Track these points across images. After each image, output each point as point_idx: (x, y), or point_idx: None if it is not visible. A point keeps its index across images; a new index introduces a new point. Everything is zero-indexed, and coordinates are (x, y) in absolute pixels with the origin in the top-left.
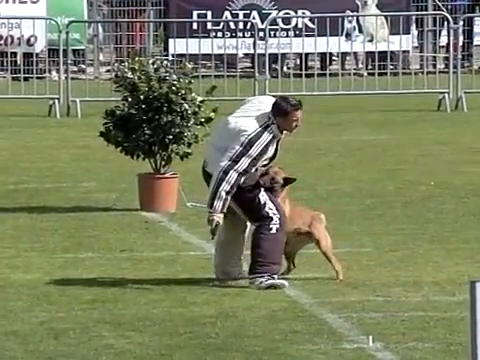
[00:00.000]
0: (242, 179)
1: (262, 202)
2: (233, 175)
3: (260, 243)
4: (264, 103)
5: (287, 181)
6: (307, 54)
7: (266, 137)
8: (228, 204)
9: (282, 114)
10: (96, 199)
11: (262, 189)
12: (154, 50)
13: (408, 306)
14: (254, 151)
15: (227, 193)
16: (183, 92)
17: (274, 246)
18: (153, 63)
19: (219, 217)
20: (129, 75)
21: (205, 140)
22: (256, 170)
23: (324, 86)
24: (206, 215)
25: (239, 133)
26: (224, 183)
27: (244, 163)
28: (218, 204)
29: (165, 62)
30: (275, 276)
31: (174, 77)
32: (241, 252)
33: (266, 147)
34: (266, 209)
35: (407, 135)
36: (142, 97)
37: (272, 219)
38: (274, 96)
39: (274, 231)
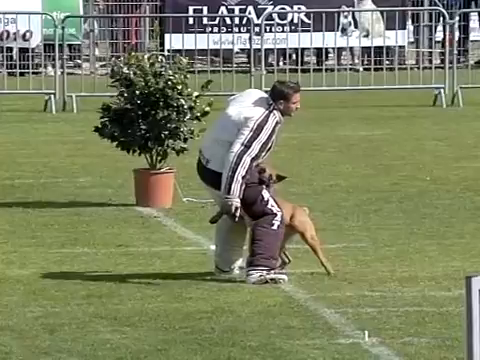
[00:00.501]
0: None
1: (265, 199)
2: (247, 160)
3: (263, 237)
4: (254, 94)
5: (280, 178)
6: (303, 49)
7: (272, 121)
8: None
9: (283, 98)
10: (92, 194)
11: (264, 186)
12: (150, 45)
13: (404, 301)
14: (263, 136)
15: (243, 178)
16: (179, 87)
17: (275, 241)
18: (149, 58)
19: (237, 201)
20: (125, 70)
21: (202, 136)
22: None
23: (320, 81)
24: (222, 201)
25: (246, 121)
26: (239, 168)
27: (256, 148)
28: (236, 188)
29: (160, 57)
30: (273, 271)
31: (170, 72)
32: (243, 239)
33: (273, 131)
34: (269, 205)
35: (403, 130)
36: (138, 92)
37: (276, 215)
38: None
39: (276, 227)
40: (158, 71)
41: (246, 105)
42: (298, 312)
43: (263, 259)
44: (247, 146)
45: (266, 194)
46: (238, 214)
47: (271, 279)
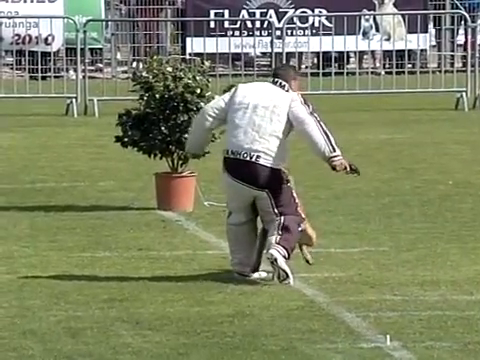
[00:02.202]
0: None
1: (296, 201)
2: (322, 121)
3: (291, 231)
4: (259, 85)
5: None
6: (324, 53)
7: (300, 95)
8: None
9: (294, 79)
10: (113, 198)
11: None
12: (171, 49)
13: (426, 305)
14: (309, 104)
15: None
16: (199, 91)
17: (295, 241)
18: (168, 62)
19: (344, 158)
20: (145, 74)
21: (223, 138)
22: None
23: (341, 85)
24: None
25: (286, 104)
26: (326, 129)
27: (315, 113)
28: (336, 146)
29: (179, 61)
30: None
31: (190, 76)
32: (262, 243)
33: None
34: (299, 209)
35: (425, 134)
36: (158, 96)
37: (304, 220)
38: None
39: (300, 230)
40: (178, 75)
41: (268, 95)
42: (319, 316)
43: (287, 248)
44: (312, 114)
45: (296, 197)
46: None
47: (282, 270)
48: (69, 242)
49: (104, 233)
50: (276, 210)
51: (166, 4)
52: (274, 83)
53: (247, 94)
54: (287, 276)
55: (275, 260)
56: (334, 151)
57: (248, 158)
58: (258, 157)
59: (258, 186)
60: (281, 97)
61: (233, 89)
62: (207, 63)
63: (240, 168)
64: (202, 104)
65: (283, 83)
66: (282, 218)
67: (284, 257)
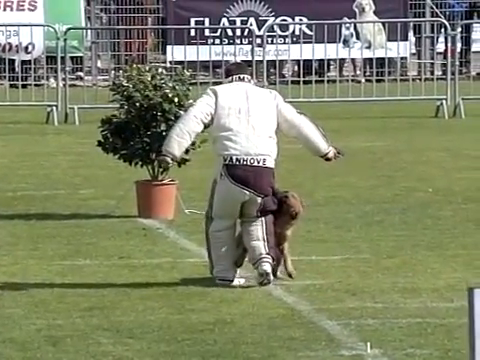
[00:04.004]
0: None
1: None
2: None
3: (272, 231)
4: (243, 86)
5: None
6: (305, 61)
7: None
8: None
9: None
10: (94, 206)
11: None
12: (152, 57)
13: (406, 312)
14: None
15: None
16: (178, 100)
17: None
18: (149, 70)
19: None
20: (125, 83)
21: (201, 146)
22: None
23: (322, 93)
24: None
25: (277, 103)
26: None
27: None
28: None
29: (161, 70)
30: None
31: (169, 85)
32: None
33: None
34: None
35: (405, 142)
36: (137, 105)
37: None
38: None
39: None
40: (158, 84)
41: (254, 96)
42: (300, 324)
43: (272, 253)
44: (301, 113)
45: None
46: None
47: (269, 277)
48: (49, 250)
49: (85, 241)
50: (259, 212)
51: (147, 12)
52: (248, 82)
53: (231, 98)
54: (269, 282)
55: (266, 274)
56: (328, 144)
57: (256, 163)
58: (265, 160)
59: (261, 191)
60: (266, 97)
61: (211, 93)
62: (187, 72)
63: (247, 174)
64: (181, 113)
65: (253, 81)
66: (263, 219)
67: (271, 264)
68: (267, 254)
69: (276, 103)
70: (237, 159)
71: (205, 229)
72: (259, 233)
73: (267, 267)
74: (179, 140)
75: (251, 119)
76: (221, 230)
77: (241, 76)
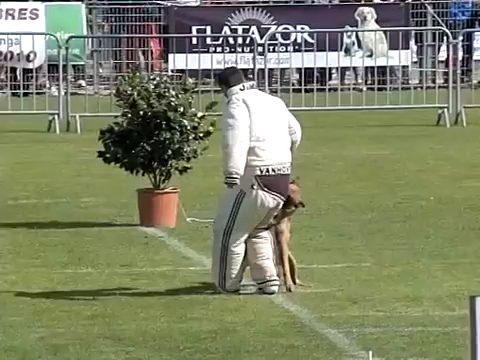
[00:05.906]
0: None
1: None
2: None
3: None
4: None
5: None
6: (306, 69)
7: None
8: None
9: None
10: (96, 214)
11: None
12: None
13: (408, 321)
14: None
15: None
16: (182, 109)
17: None
18: (153, 79)
19: None
20: (129, 91)
21: (205, 154)
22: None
23: (323, 101)
24: None
25: (285, 112)
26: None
27: None
28: None
29: (164, 78)
30: None
31: (173, 93)
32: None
33: None
34: None
35: (406, 150)
36: (141, 113)
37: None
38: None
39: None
40: (161, 92)
41: (271, 103)
42: (302, 332)
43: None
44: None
45: None
46: None
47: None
48: (51, 259)
49: (86, 249)
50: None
51: (149, 21)
52: (256, 88)
53: (258, 107)
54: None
55: (273, 292)
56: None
57: (286, 171)
58: (289, 167)
59: (285, 197)
60: (278, 103)
61: (241, 103)
62: (191, 80)
63: (280, 182)
64: (185, 122)
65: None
66: (270, 237)
67: (279, 286)
68: (277, 275)
69: (285, 110)
70: (272, 169)
71: (218, 245)
72: (269, 251)
73: (276, 289)
74: (242, 159)
75: (277, 127)
76: (239, 244)
77: (251, 83)
